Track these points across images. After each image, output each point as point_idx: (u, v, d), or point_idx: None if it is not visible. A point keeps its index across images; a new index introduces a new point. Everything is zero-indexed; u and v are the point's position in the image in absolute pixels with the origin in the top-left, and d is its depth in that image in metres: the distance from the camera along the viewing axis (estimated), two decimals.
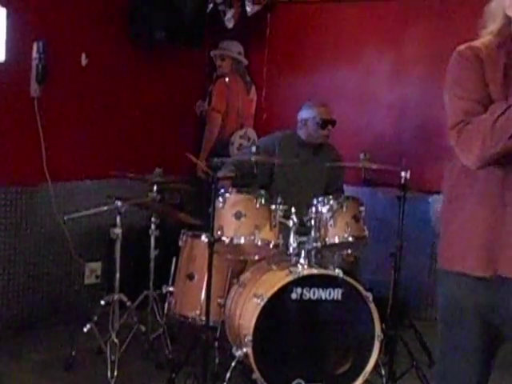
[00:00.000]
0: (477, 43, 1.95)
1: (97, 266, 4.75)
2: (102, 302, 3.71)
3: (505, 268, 1.92)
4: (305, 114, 4.31)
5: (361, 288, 3.43)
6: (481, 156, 1.81)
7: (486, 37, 1.97)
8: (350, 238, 3.65)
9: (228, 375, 3.34)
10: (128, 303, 3.71)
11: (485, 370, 2.08)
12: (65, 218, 4.20)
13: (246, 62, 5.40)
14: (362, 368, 3.43)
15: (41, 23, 4.29)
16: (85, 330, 3.69)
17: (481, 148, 1.80)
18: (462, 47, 1.94)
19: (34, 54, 4.26)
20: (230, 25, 5.31)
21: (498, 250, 1.92)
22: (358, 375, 3.42)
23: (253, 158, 3.74)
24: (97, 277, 4.76)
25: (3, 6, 4.09)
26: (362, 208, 3.76)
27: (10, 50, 4.14)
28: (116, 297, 3.63)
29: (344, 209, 3.67)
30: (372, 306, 3.43)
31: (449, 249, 2.07)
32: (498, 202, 1.93)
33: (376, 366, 3.47)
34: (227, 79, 5.22)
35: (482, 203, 1.95)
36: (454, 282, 2.06)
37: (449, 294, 2.10)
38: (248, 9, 5.31)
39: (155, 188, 3.97)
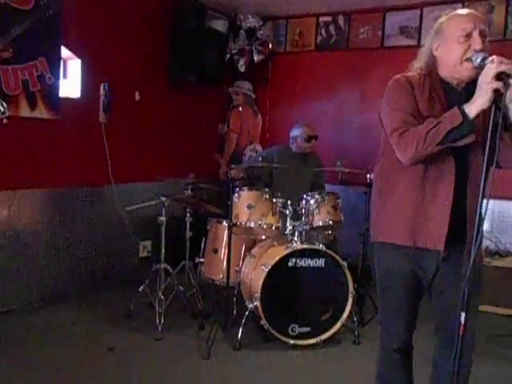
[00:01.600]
0: (409, 74, 1.97)
1: (148, 243, 4.76)
2: (152, 270, 3.73)
3: (421, 241, 1.93)
4: (295, 132, 4.31)
5: (338, 258, 3.44)
6: (414, 155, 1.83)
7: (414, 70, 1.99)
8: (330, 222, 3.65)
9: (243, 321, 3.34)
10: (170, 270, 3.71)
11: (413, 316, 2.09)
12: (125, 210, 4.23)
13: (254, 96, 5.38)
14: (340, 316, 3.43)
15: (105, 70, 4.30)
16: (140, 289, 3.71)
17: (414, 150, 1.81)
18: (398, 76, 1.98)
19: (101, 92, 4.27)
20: (242, 69, 5.31)
21: (418, 226, 1.93)
22: (336, 321, 3.43)
23: (259, 164, 3.79)
24: (148, 251, 4.77)
25: (78, 57, 4.11)
26: (339, 200, 3.75)
27: (83, 89, 4.19)
28: (162, 266, 3.63)
29: (326, 201, 3.66)
30: (347, 271, 3.43)
31: (381, 226, 2.07)
32: (419, 191, 1.93)
33: (350, 314, 3.46)
34: (240, 109, 5.21)
35: (407, 192, 1.96)
36: (385, 252, 2.06)
37: (382, 261, 2.10)
38: (255, 58, 5.33)
39: (189, 187, 3.99)
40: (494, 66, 1.64)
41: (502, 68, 1.62)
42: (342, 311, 3.41)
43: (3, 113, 2.14)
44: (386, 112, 1.95)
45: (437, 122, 1.76)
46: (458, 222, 1.87)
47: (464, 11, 1.91)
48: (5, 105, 2.16)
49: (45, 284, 3.99)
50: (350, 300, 3.41)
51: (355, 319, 3.53)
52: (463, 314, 1.59)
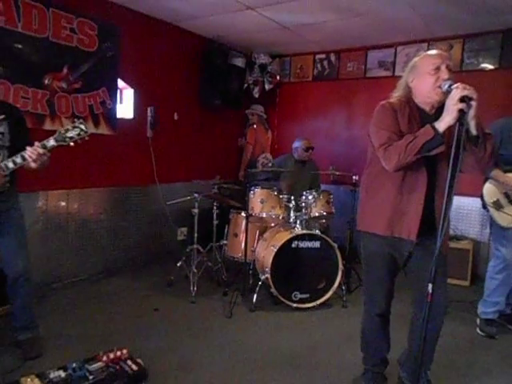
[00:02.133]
0: (392, 100, 1.96)
1: (184, 229, 4.77)
2: (187, 249, 3.74)
3: (397, 232, 1.93)
4: (296, 144, 4.30)
5: (330, 241, 3.43)
6: (397, 164, 1.81)
7: (395, 98, 1.98)
8: (324, 213, 3.63)
9: (257, 289, 3.35)
10: (201, 250, 3.73)
11: (391, 288, 2.10)
12: (166, 204, 4.25)
13: (265, 116, 5.39)
14: (332, 285, 3.43)
15: (152, 97, 4.33)
16: (178, 265, 3.73)
17: (397, 160, 1.79)
18: (383, 102, 1.96)
19: (149, 114, 4.30)
20: (256, 95, 5.30)
21: (395, 221, 1.92)
22: (329, 289, 3.42)
23: (269, 169, 3.78)
24: (184, 235, 4.78)
25: (131, 87, 4.15)
26: (331, 196, 3.73)
27: (135, 111, 4.22)
28: (195, 246, 3.65)
29: (321, 197, 3.65)
30: (337, 250, 3.42)
31: (366, 219, 2.06)
32: (397, 194, 1.92)
33: (340, 285, 3.45)
34: (255, 126, 5.22)
35: (388, 194, 1.95)
36: (369, 239, 2.06)
37: (366, 245, 2.10)
38: (266, 86, 5.31)
39: (216, 186, 4.01)
40: (458, 91, 1.64)
41: (465, 92, 1.62)
42: (334, 282, 3.41)
43: (86, 132, 2.17)
44: (373, 131, 1.93)
45: (413, 137, 1.76)
46: (428, 217, 1.87)
47: (433, 51, 1.91)
48: (87, 126, 2.20)
49: (106, 260, 4.04)
50: (340, 273, 3.40)
51: (343, 288, 3.52)
52: (431, 285, 1.59)
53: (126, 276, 3.99)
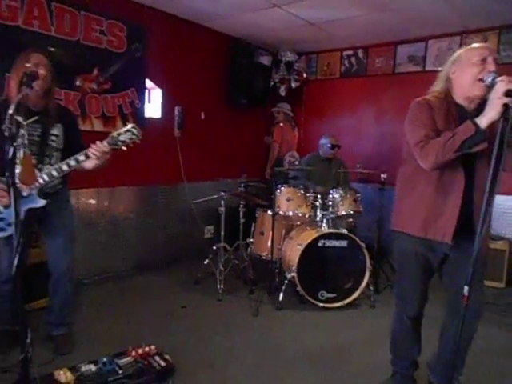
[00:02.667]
0: (428, 97, 1.89)
1: (211, 228, 4.79)
2: (214, 247, 3.76)
3: (431, 233, 1.87)
4: (322, 141, 4.27)
5: (358, 240, 3.38)
6: (434, 163, 1.75)
7: (432, 93, 1.90)
8: (352, 212, 3.59)
9: (283, 288, 3.34)
10: (228, 248, 3.75)
11: (424, 290, 2.03)
12: (193, 202, 4.29)
13: (292, 114, 5.36)
14: (359, 285, 3.38)
15: (179, 96, 4.38)
16: (205, 262, 3.76)
17: (435, 158, 1.73)
18: (419, 99, 1.89)
19: (176, 113, 4.35)
20: (283, 93, 5.28)
21: (429, 222, 1.86)
22: (357, 289, 3.38)
23: (296, 168, 3.75)
24: (211, 234, 4.81)
25: (159, 87, 4.21)
26: (359, 195, 3.68)
27: (163, 111, 4.28)
28: (222, 244, 3.67)
29: (348, 195, 3.61)
30: (365, 250, 3.37)
31: (400, 218, 2.01)
32: (433, 194, 1.86)
33: (368, 284, 3.40)
34: (282, 124, 5.20)
35: (423, 194, 1.88)
36: (403, 239, 2.00)
37: (400, 246, 2.04)
38: (293, 84, 5.28)
39: (242, 185, 4.01)
40: (503, 84, 1.57)
41: (511, 86, 1.55)
42: (361, 281, 3.36)
43: (138, 136, 2.20)
44: (409, 129, 1.87)
45: (452, 133, 1.69)
46: (466, 218, 1.80)
47: (479, 44, 1.84)
48: (139, 130, 2.22)
49: (134, 258, 4.11)
50: (368, 273, 3.35)
51: (371, 288, 3.47)
52: (467, 288, 1.54)
53: (154, 273, 4.05)
